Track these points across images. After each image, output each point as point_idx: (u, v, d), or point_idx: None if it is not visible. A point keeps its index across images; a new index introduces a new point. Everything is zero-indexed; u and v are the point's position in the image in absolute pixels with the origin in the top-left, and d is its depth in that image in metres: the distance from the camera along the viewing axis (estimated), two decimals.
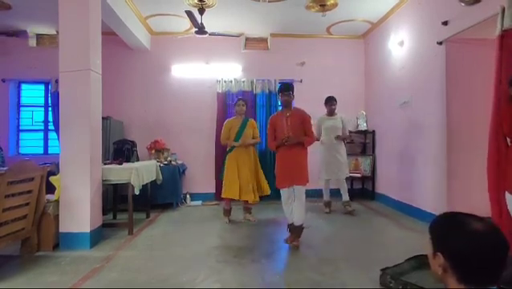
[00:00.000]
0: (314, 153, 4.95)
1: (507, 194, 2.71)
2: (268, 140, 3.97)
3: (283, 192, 3.77)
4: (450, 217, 1.11)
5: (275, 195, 4.47)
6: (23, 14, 5.32)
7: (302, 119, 3.73)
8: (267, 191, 4.77)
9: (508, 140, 2.83)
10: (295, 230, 3.62)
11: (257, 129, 4.87)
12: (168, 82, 6.40)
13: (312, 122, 3.90)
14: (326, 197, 5.22)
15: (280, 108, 4.06)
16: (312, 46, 6.58)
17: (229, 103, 6.23)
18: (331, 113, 5.13)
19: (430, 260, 1.11)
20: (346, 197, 5.14)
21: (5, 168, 3.56)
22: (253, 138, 4.75)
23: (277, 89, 6.34)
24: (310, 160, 4.95)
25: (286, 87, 3.78)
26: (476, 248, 0.98)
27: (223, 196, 4.69)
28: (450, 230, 1.05)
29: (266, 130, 4.05)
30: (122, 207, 4.80)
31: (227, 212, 4.75)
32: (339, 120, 5.10)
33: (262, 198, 4.78)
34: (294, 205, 3.66)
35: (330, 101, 5.09)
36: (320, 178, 5.16)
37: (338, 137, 5.02)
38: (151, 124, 6.30)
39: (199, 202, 6.01)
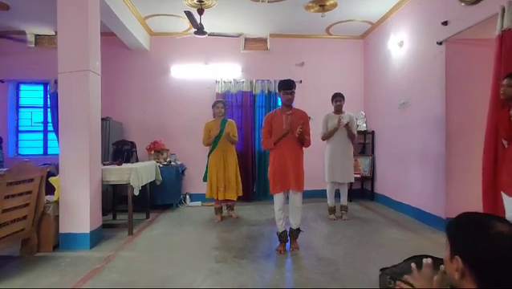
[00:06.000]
0: (320, 154, 4.97)
1: (502, 194, 2.73)
2: (263, 139, 3.62)
3: (278, 197, 3.53)
4: (470, 218, 1.02)
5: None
6: (21, 14, 5.31)
7: (303, 119, 3.54)
8: (240, 192, 4.95)
9: (504, 142, 2.83)
10: (293, 234, 3.57)
11: (235, 130, 4.94)
12: (167, 82, 6.40)
13: (310, 123, 3.70)
14: (330, 202, 4.87)
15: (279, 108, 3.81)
16: (312, 46, 6.58)
17: (229, 103, 6.22)
18: (337, 110, 4.79)
19: (446, 264, 1.03)
20: (344, 200, 4.87)
21: (4, 170, 3.55)
22: None
23: (277, 88, 6.34)
24: (316, 162, 5.00)
25: (289, 85, 3.51)
26: (501, 252, 0.90)
27: (207, 196, 4.89)
28: (471, 233, 0.96)
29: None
30: (122, 208, 4.82)
31: (218, 210, 4.87)
32: (347, 118, 4.71)
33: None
34: (290, 210, 3.54)
35: (336, 97, 4.78)
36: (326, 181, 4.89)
37: (346, 125, 4.61)
38: (150, 125, 6.30)
39: (198, 203, 6.01)
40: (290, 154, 3.48)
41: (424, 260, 1.17)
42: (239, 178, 4.93)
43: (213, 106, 4.98)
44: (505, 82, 2.71)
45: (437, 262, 1.26)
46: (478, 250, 0.92)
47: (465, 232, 0.98)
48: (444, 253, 1.06)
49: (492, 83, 3.14)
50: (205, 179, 4.94)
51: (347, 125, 4.65)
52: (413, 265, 1.19)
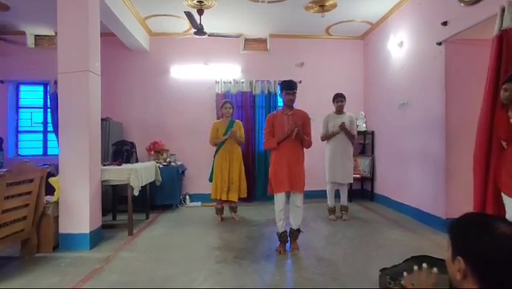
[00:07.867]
0: (320, 154, 4.97)
1: (503, 195, 2.71)
2: (265, 140, 3.64)
3: (279, 197, 3.53)
4: (472, 218, 1.02)
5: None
6: (21, 14, 5.31)
7: (304, 120, 3.56)
8: (244, 194, 4.92)
9: (504, 143, 2.82)
10: (293, 234, 3.57)
11: (242, 130, 4.95)
12: (167, 83, 6.40)
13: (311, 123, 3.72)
14: (330, 202, 4.87)
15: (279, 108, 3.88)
16: (311, 46, 6.58)
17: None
18: (339, 111, 4.81)
19: (448, 264, 1.03)
20: (344, 200, 4.88)
21: (4, 170, 3.55)
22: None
23: (277, 89, 6.38)
24: (316, 162, 5.00)
25: (291, 86, 3.53)
26: (504, 252, 0.89)
27: (212, 197, 4.87)
28: (474, 233, 0.96)
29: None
30: (121, 208, 4.81)
31: (219, 211, 4.86)
32: (348, 119, 4.72)
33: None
34: (291, 210, 3.55)
35: (337, 98, 4.79)
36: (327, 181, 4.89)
37: (342, 125, 4.60)
38: (150, 125, 6.30)
39: (198, 203, 6.01)
40: (291, 155, 3.49)
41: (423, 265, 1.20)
42: (244, 179, 4.91)
43: (221, 106, 4.98)
44: (506, 86, 2.69)
45: (436, 263, 1.26)
46: (481, 251, 0.92)
47: (467, 232, 0.98)
48: (446, 254, 1.06)
49: (487, 84, 3.10)
50: (210, 179, 4.93)
51: (343, 126, 4.63)
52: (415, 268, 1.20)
